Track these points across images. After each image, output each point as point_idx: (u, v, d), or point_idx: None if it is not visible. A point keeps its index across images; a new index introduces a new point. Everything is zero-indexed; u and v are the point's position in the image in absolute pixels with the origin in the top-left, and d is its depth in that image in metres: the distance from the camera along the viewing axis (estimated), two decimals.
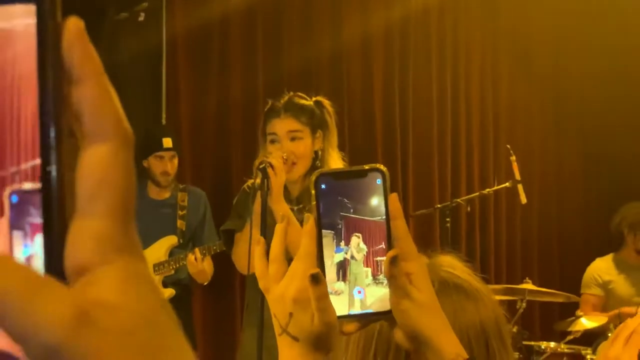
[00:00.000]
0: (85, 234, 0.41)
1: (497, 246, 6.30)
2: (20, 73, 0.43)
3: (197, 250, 4.04)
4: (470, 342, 1.21)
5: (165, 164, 4.25)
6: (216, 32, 5.31)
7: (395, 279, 1.01)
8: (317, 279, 1.02)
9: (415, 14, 5.99)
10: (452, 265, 1.34)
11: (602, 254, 5.39)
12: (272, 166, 3.06)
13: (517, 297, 4.41)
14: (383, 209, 1.03)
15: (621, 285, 5.22)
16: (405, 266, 1.02)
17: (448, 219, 4.48)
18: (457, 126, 6.18)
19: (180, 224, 4.29)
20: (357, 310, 1.04)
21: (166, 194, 4.34)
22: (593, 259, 5.40)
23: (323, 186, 1.04)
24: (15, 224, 0.40)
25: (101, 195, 0.42)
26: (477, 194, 4.85)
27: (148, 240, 4.09)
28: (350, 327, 1.06)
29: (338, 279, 1.04)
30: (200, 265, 4.02)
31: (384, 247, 1.03)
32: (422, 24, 6.05)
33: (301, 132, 3.29)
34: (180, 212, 4.31)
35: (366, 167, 1.05)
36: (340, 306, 1.04)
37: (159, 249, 4.18)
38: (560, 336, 4.86)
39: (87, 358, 0.38)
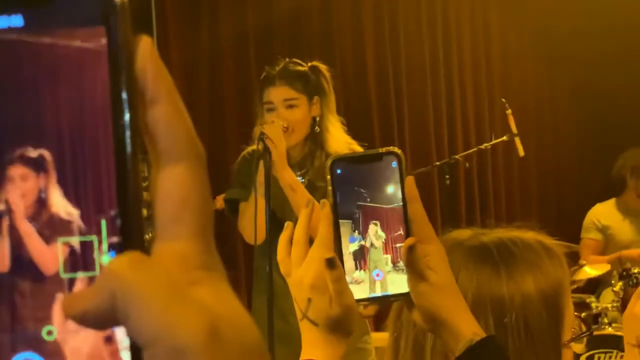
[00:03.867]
0: (172, 256, 0.41)
1: (496, 201, 6.32)
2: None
3: None
4: (486, 312, 1.21)
5: None
6: None
7: (413, 265, 1.03)
8: (332, 263, 1.03)
9: None
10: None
11: (600, 201, 5.41)
12: (269, 137, 3.07)
13: None
14: (399, 194, 1.04)
15: (621, 230, 5.25)
16: (423, 249, 1.03)
17: (447, 176, 4.49)
18: (451, 82, 6.16)
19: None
20: (376, 293, 1.06)
21: None
22: (592, 207, 5.43)
23: (338, 171, 1.05)
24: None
25: (183, 218, 0.42)
26: (474, 149, 4.84)
27: None
28: (369, 310, 1.09)
29: (357, 268, 1.06)
30: None
31: (402, 232, 1.04)
32: None
33: (297, 100, 3.29)
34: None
35: (381, 150, 1.06)
36: (361, 292, 1.06)
37: None
38: None
39: None
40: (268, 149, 3.07)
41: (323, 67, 3.40)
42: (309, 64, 3.39)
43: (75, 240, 0.42)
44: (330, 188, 1.05)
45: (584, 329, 1.31)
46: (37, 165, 0.41)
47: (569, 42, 6.52)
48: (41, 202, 0.42)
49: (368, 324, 3.48)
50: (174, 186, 0.42)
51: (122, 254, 0.40)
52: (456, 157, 4.65)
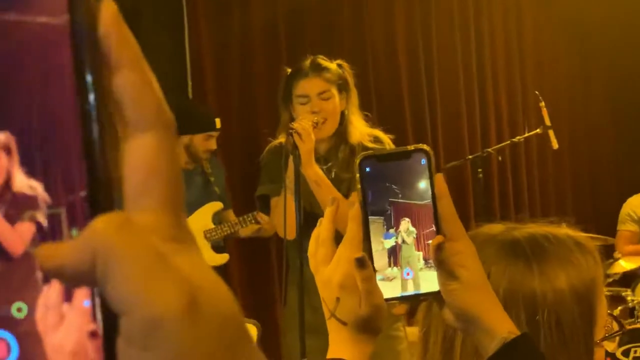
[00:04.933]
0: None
1: (530, 193, 6.27)
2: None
3: (260, 214, 4.13)
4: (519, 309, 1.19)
5: (212, 143, 4.32)
6: None
7: (443, 263, 1.02)
8: (363, 263, 1.02)
9: None
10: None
11: (637, 193, 5.36)
12: (298, 133, 3.08)
13: None
14: (429, 190, 1.02)
15: None
16: (453, 246, 1.02)
17: (480, 170, 4.47)
18: (483, 75, 6.13)
19: (217, 189, 4.39)
20: (407, 292, 1.05)
21: (194, 164, 4.39)
22: (628, 199, 5.39)
23: (367, 169, 1.03)
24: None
25: (151, 189, 0.40)
26: (507, 142, 4.81)
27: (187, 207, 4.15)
28: (399, 308, 1.08)
29: (390, 265, 1.05)
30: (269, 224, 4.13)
31: (434, 229, 1.03)
32: None
33: (329, 92, 3.31)
34: (212, 179, 4.40)
35: (410, 148, 1.04)
36: (393, 290, 1.05)
37: (205, 216, 4.28)
38: None
39: (187, 339, 0.38)
40: (296, 145, 3.09)
41: (346, 65, 3.43)
42: (334, 62, 3.42)
43: (41, 215, 0.40)
44: (359, 186, 1.03)
45: (616, 327, 1.30)
46: (5, 148, 0.40)
47: (602, 33, 6.45)
48: (6, 183, 0.41)
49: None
50: (142, 156, 0.40)
51: (109, 214, 0.39)
52: (489, 150, 4.62)
